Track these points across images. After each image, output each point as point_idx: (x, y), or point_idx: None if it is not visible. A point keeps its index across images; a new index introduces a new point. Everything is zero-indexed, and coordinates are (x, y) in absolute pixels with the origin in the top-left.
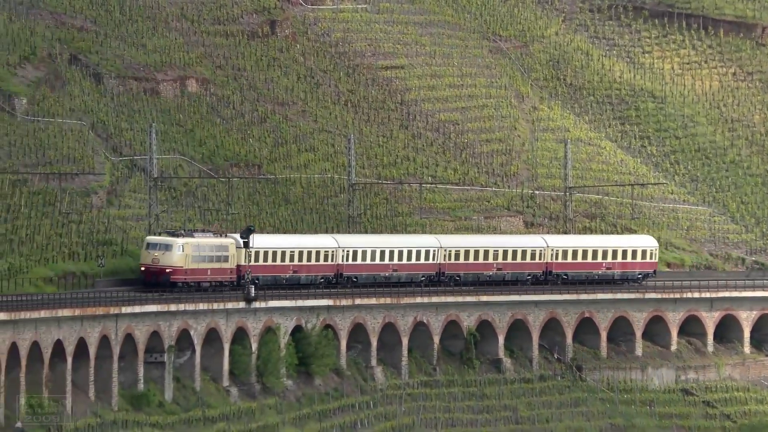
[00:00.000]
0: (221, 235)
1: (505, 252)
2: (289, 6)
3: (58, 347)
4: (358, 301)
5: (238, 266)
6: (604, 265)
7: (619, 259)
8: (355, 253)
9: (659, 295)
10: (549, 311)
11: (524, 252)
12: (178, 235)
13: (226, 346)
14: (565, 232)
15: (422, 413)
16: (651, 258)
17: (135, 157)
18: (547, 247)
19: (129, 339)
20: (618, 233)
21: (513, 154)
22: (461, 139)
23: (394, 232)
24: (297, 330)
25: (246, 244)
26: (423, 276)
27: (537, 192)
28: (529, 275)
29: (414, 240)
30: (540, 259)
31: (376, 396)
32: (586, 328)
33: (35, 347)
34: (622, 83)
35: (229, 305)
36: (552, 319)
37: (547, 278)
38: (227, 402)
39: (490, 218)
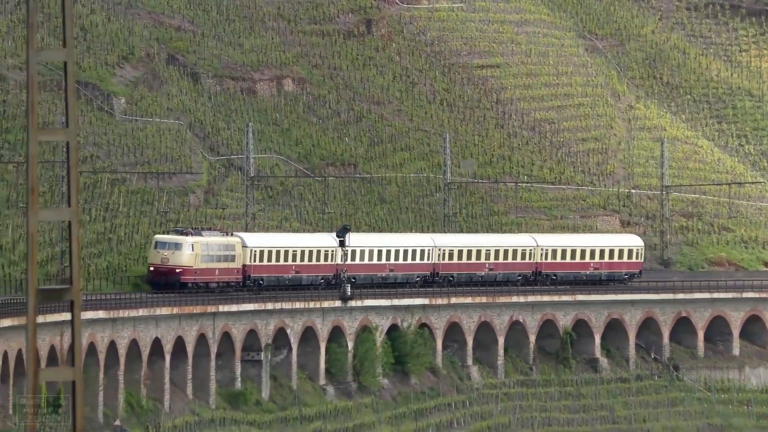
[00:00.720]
0: (228, 234)
1: (497, 252)
2: (385, 5)
3: (157, 345)
4: (453, 300)
5: (244, 266)
6: (591, 265)
7: (606, 258)
8: (451, 252)
9: (757, 295)
10: (645, 310)
11: (515, 251)
12: (187, 234)
13: (323, 345)
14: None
15: (518, 413)
16: (637, 258)
17: (232, 157)
18: (537, 246)
19: (226, 337)
20: (714, 232)
21: (609, 152)
22: (557, 138)
23: (489, 232)
24: (393, 329)
25: (342, 243)
26: (519, 275)
27: (633, 191)
28: (519, 275)
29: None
30: (529, 258)
31: (471, 395)
32: (682, 327)
33: (134, 345)
34: (719, 82)
35: (326, 304)
36: (648, 319)
37: (537, 279)
38: (323, 401)
39: (586, 217)
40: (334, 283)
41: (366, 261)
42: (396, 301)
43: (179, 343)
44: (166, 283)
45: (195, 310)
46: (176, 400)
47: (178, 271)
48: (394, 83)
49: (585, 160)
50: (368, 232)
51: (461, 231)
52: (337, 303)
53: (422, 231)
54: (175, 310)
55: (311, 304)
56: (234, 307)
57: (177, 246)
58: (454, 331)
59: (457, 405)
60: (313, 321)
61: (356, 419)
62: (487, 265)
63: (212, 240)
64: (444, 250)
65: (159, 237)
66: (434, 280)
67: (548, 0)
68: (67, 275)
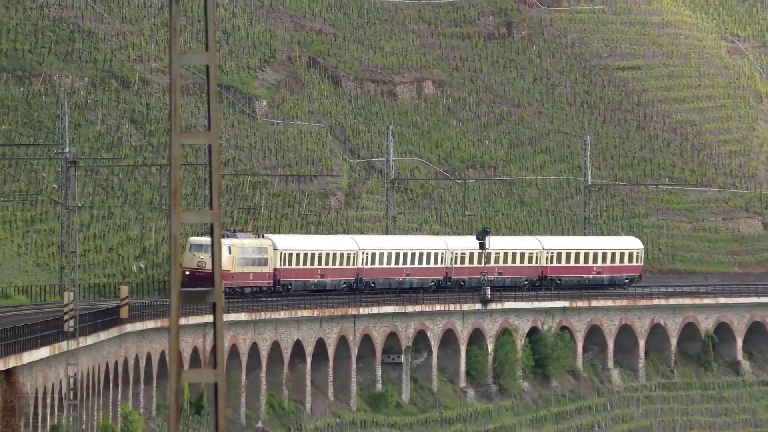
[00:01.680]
0: (259, 236)
1: (505, 255)
2: (526, 7)
3: (298, 347)
4: (594, 303)
5: (275, 270)
6: (594, 269)
7: (608, 262)
8: (463, 256)
9: None
10: None
11: (522, 255)
12: (225, 236)
13: (463, 348)
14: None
15: (660, 416)
16: (636, 261)
17: (372, 159)
18: (542, 249)
19: (367, 339)
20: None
21: (751, 154)
22: (698, 140)
23: (632, 234)
24: (533, 331)
25: (482, 246)
26: (526, 280)
27: None
28: (526, 280)
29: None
30: (536, 262)
31: (612, 398)
32: None
33: (275, 347)
34: None
35: (466, 306)
36: None
37: (542, 283)
38: (464, 403)
39: (728, 220)
40: (355, 287)
41: (378, 265)
42: (536, 304)
43: (320, 345)
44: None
45: (336, 313)
46: (317, 402)
47: None
48: (534, 85)
49: (727, 161)
50: (509, 234)
51: (601, 233)
52: (478, 305)
53: (563, 234)
54: (316, 313)
55: (451, 307)
56: (375, 310)
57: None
58: (594, 333)
59: (597, 408)
60: (453, 323)
61: (496, 422)
62: (497, 270)
63: (247, 242)
64: (456, 254)
65: (194, 239)
66: (446, 285)
67: (690, 1)
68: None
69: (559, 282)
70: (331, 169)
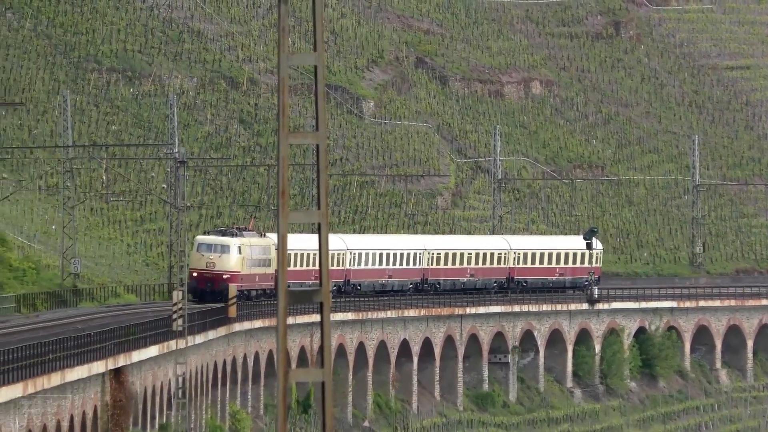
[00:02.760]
0: (262, 235)
1: (477, 256)
2: (634, 7)
3: (405, 347)
4: (702, 303)
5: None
6: (557, 270)
7: (570, 263)
8: (438, 257)
9: None
10: None
11: (491, 256)
12: (234, 235)
13: (570, 348)
14: None
15: None
16: (596, 262)
17: (479, 159)
18: (510, 249)
19: (473, 339)
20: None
21: None
22: None
23: (737, 235)
24: (640, 331)
25: (589, 246)
26: (495, 282)
27: None
28: (495, 282)
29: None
30: (503, 263)
31: (720, 399)
32: None
33: (382, 347)
34: None
35: (573, 306)
36: None
37: (509, 286)
38: (571, 403)
39: None
40: (343, 290)
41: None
42: (644, 304)
43: (427, 345)
44: (212, 291)
45: (443, 312)
46: (424, 401)
47: (225, 277)
48: (642, 85)
49: None
50: (616, 235)
51: (709, 234)
52: (585, 306)
53: (670, 234)
54: (423, 312)
55: (558, 307)
56: (481, 309)
57: (224, 248)
58: (702, 333)
59: (705, 408)
60: (560, 323)
61: (603, 422)
62: (468, 271)
63: (254, 242)
64: (433, 254)
65: (202, 238)
66: (423, 287)
67: None
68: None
69: (525, 284)
70: (438, 169)
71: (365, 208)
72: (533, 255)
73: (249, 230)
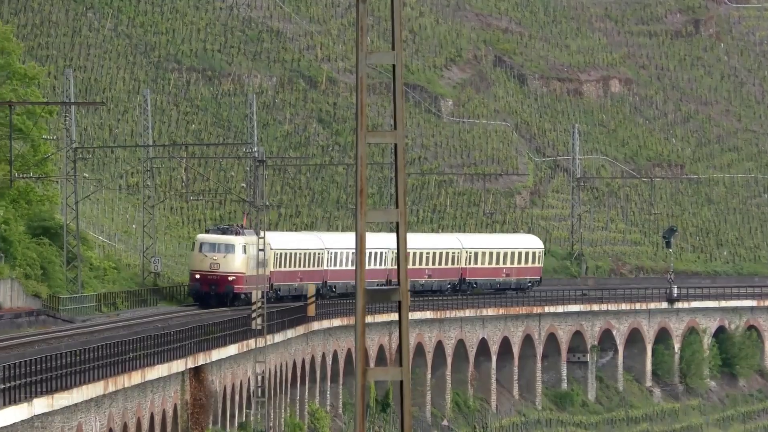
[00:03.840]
0: (258, 234)
1: (433, 255)
2: (714, 4)
3: (483, 346)
4: None
5: (273, 273)
6: (504, 271)
7: (515, 263)
8: (476, 255)
9: None
10: None
11: (444, 255)
12: (237, 233)
13: (649, 347)
14: None
15: None
16: (537, 262)
17: (558, 158)
18: (462, 249)
19: (552, 338)
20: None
21: None
22: None
23: None
24: (720, 330)
25: (668, 245)
26: (449, 284)
27: None
28: (449, 284)
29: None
30: (455, 264)
31: None
32: None
33: (460, 346)
34: None
35: (652, 306)
36: None
37: (461, 287)
38: (650, 402)
39: None
40: (322, 293)
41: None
42: (723, 303)
43: (505, 344)
44: (217, 294)
45: (521, 311)
46: (503, 400)
47: (230, 279)
48: (721, 83)
49: None
50: (694, 233)
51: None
52: (664, 305)
53: (750, 233)
54: (501, 311)
55: (637, 306)
56: (560, 308)
57: (229, 248)
58: None
59: None
60: (639, 322)
61: (683, 421)
62: (426, 272)
63: (254, 241)
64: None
65: (204, 237)
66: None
67: None
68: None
69: (474, 285)
70: (516, 168)
71: (443, 207)
72: (483, 255)
73: (243, 227)
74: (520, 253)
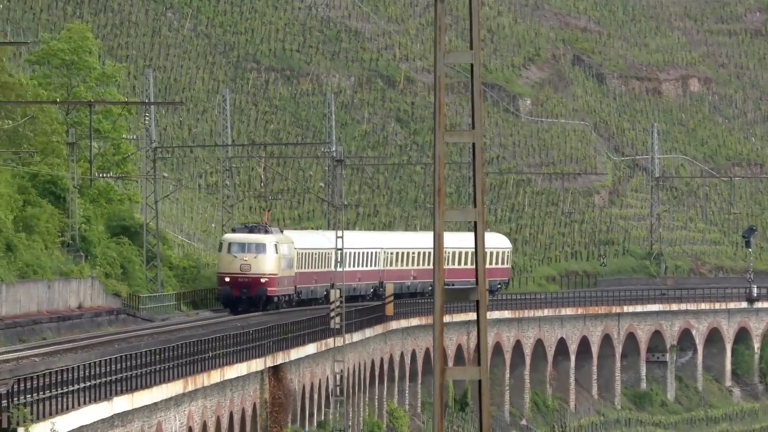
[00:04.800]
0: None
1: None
2: None
3: (562, 345)
4: None
5: (297, 275)
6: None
7: (469, 264)
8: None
9: None
10: None
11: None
12: (267, 231)
13: (728, 346)
14: None
15: None
16: (505, 263)
17: (636, 157)
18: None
19: (631, 338)
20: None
21: None
22: None
23: None
24: None
25: (748, 244)
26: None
27: None
28: (430, 286)
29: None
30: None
31: None
32: None
33: (539, 345)
34: None
35: (731, 305)
36: None
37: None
38: (729, 402)
39: None
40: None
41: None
42: None
43: (584, 343)
44: (249, 298)
45: (600, 311)
46: (581, 400)
47: (263, 281)
48: None
49: None
50: None
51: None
52: (744, 304)
53: None
54: (580, 311)
55: (717, 306)
56: (639, 308)
57: (260, 247)
58: None
59: None
60: (719, 322)
61: (763, 421)
62: (412, 273)
63: (284, 239)
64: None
65: (233, 236)
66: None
67: None
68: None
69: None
70: (595, 167)
71: (521, 206)
72: (457, 255)
73: (267, 225)
74: (490, 254)
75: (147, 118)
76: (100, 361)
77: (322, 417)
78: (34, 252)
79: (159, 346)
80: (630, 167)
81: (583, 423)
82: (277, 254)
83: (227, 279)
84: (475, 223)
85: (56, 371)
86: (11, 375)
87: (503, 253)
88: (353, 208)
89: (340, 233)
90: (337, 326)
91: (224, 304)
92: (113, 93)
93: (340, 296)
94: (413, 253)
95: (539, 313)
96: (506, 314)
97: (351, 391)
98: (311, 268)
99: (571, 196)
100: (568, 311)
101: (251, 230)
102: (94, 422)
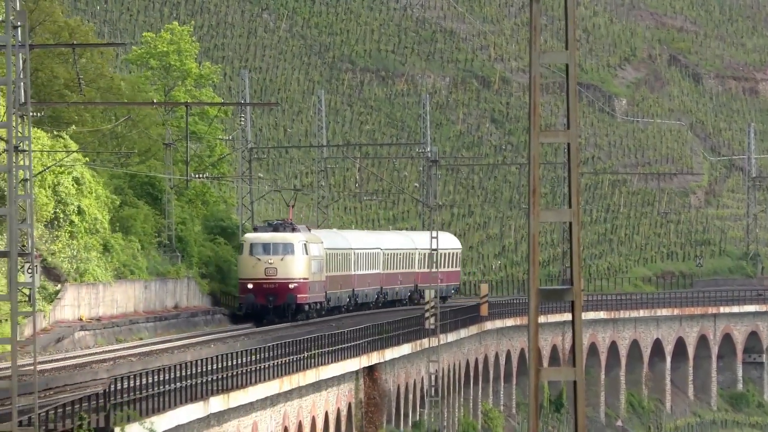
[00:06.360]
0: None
1: None
2: None
3: (657, 346)
4: None
5: (328, 278)
6: (398, 277)
7: (444, 267)
8: None
9: None
10: None
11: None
12: (294, 229)
13: None
14: None
15: None
16: (455, 265)
17: (733, 157)
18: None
19: (727, 339)
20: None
21: None
22: None
23: None
24: None
25: None
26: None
27: None
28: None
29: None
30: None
31: None
32: None
33: (634, 346)
34: None
35: None
36: None
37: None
38: None
39: None
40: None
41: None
42: None
43: (680, 344)
44: (275, 307)
45: (696, 312)
46: (677, 401)
47: (292, 287)
48: None
49: None
50: None
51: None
52: None
53: None
54: (676, 311)
55: None
56: (735, 309)
57: (287, 248)
58: None
59: None
60: None
61: None
62: (399, 278)
63: (313, 239)
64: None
65: (255, 236)
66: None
67: None
68: (568, 276)
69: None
70: (691, 167)
71: (617, 206)
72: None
73: (293, 222)
74: (441, 255)
75: (243, 119)
76: (196, 361)
77: (417, 417)
78: (131, 252)
79: (255, 346)
80: (726, 167)
81: (679, 424)
82: (306, 255)
83: (250, 285)
84: (570, 223)
85: (153, 371)
86: (108, 375)
87: (455, 254)
88: (447, 208)
89: (435, 234)
90: (432, 326)
91: (247, 314)
92: (209, 94)
93: (379, 299)
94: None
95: (635, 313)
96: (601, 315)
97: (446, 391)
98: (341, 271)
99: (667, 197)
100: (664, 312)
101: (276, 228)
102: (190, 422)
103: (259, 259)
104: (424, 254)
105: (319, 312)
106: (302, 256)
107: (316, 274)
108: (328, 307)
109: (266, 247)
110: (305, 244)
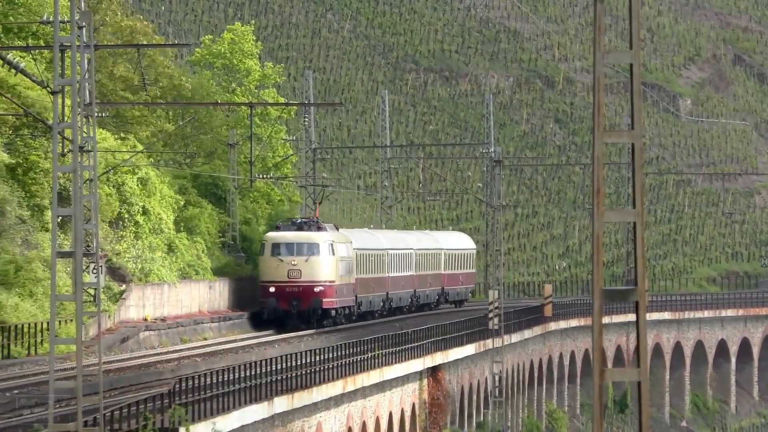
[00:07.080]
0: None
1: None
2: None
3: (722, 347)
4: None
5: (359, 281)
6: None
7: (454, 269)
8: None
9: None
10: None
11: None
12: (319, 228)
13: None
14: None
15: None
16: (470, 267)
17: None
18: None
19: None
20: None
21: None
22: None
23: None
24: None
25: None
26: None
27: None
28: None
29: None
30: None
31: None
32: None
33: (699, 347)
34: None
35: None
36: None
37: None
38: None
39: None
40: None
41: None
42: None
43: (745, 345)
44: (299, 312)
45: (761, 312)
46: (742, 402)
47: (317, 290)
48: None
49: None
50: None
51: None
52: None
53: None
54: (741, 312)
55: None
56: None
57: (312, 248)
58: None
59: None
60: None
61: None
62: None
63: (341, 238)
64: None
65: (277, 235)
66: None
67: None
68: (633, 276)
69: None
70: (756, 168)
71: (681, 207)
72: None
73: (318, 221)
74: (457, 256)
75: (307, 120)
76: (261, 361)
77: (481, 418)
78: (195, 252)
79: (318, 346)
80: None
81: (744, 425)
82: (333, 256)
83: (272, 289)
84: (634, 224)
85: (217, 371)
86: (173, 375)
87: (470, 255)
88: (511, 208)
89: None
90: (496, 327)
91: (269, 320)
92: (272, 94)
93: (412, 303)
94: (456, 255)
95: (699, 314)
96: (666, 315)
97: (510, 392)
98: (373, 273)
99: (732, 197)
100: (729, 312)
101: (300, 227)
102: (255, 422)
103: (282, 260)
104: (450, 255)
105: (349, 317)
106: (329, 257)
107: (345, 277)
108: (359, 312)
109: (289, 247)
110: (332, 244)
